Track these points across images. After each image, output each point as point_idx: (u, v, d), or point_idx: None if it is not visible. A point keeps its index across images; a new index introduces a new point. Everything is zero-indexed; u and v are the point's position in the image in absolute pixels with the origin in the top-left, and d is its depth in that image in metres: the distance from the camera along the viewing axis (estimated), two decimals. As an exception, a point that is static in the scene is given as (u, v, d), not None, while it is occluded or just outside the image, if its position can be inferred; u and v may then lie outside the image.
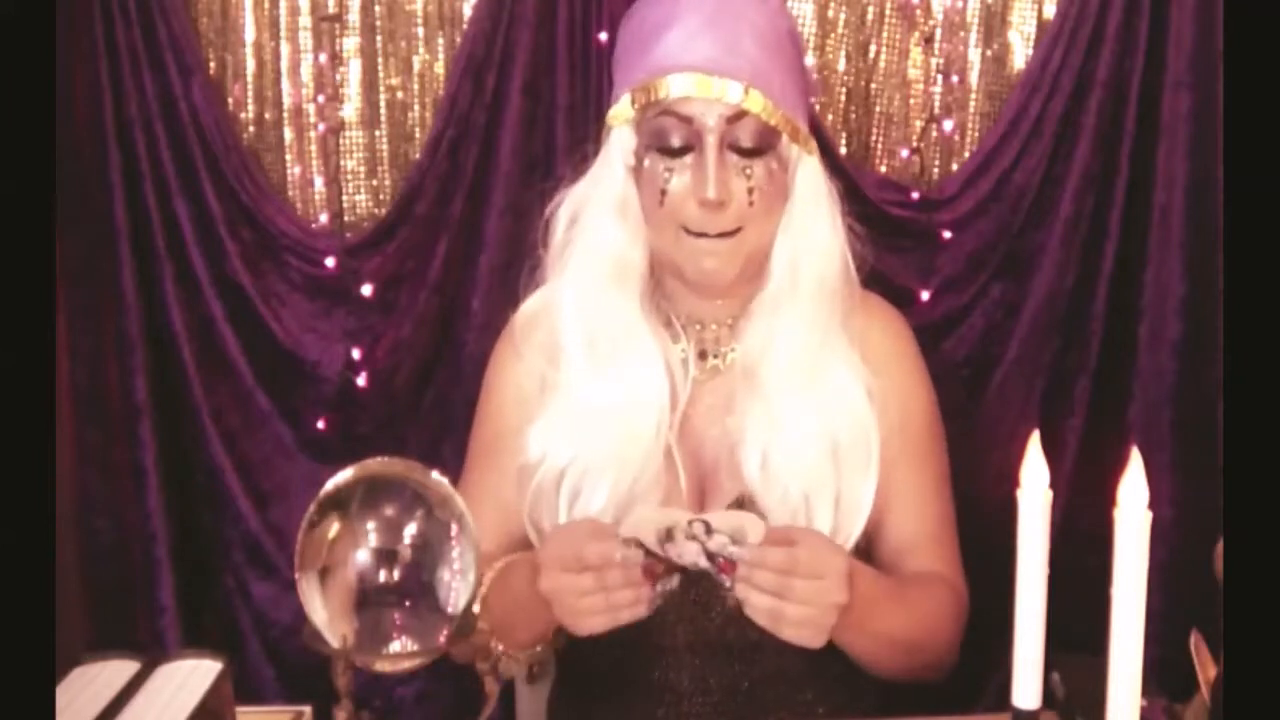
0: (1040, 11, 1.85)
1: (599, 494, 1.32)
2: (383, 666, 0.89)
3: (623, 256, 1.35)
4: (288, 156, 1.88)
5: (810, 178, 1.34)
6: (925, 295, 1.85)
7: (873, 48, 1.86)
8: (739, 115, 1.28)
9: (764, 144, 1.30)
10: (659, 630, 1.34)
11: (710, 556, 1.13)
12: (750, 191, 1.29)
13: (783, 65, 1.31)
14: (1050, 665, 0.98)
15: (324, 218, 1.88)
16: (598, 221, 1.35)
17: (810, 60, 1.83)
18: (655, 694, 1.37)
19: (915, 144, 1.88)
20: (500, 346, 1.46)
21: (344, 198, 1.88)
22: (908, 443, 1.38)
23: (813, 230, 1.34)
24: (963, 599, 1.39)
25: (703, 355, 1.39)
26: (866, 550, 1.37)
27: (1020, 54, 1.86)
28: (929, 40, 1.86)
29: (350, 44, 1.85)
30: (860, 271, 1.37)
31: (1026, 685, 0.95)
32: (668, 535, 1.13)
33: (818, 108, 1.82)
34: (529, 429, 1.37)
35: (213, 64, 1.84)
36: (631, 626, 1.34)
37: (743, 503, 1.34)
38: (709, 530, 1.12)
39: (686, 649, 1.36)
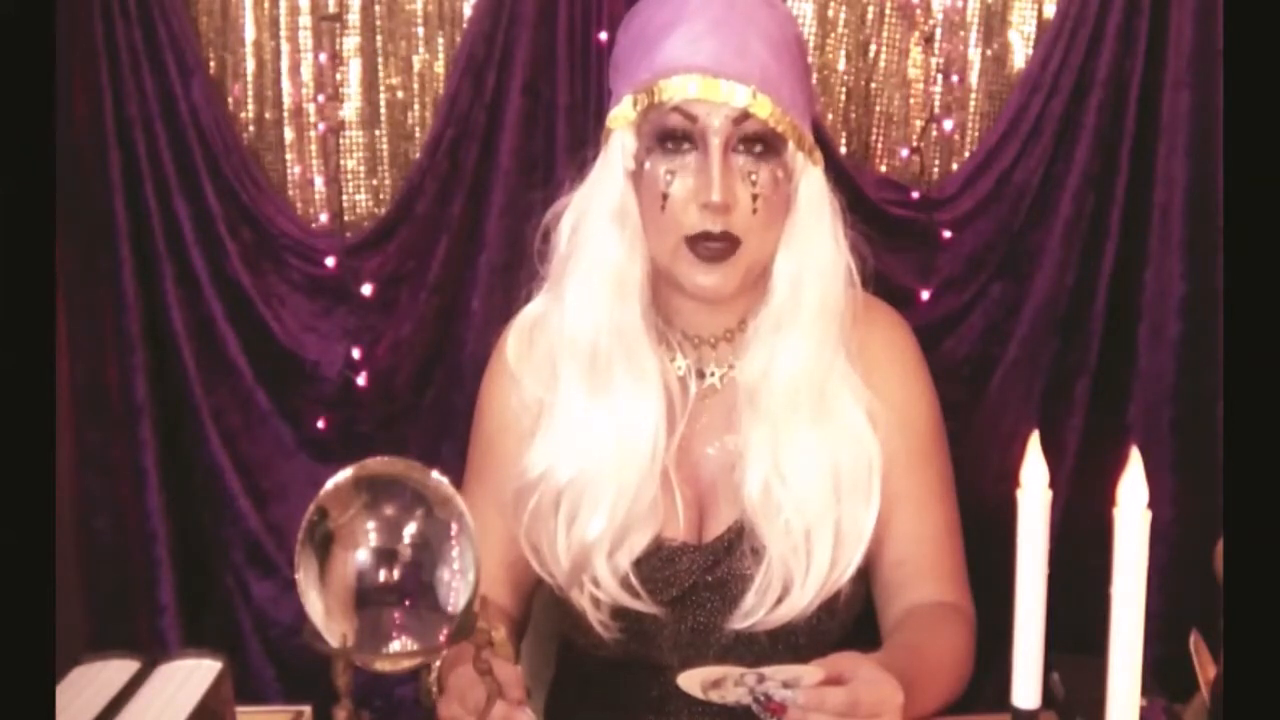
0: (1040, 11, 1.85)
1: (597, 518, 1.30)
2: (383, 666, 0.89)
3: (622, 268, 1.30)
4: (288, 156, 1.87)
5: (814, 189, 1.30)
6: (925, 295, 1.85)
7: (873, 47, 1.86)
8: (745, 117, 1.24)
9: (770, 149, 1.26)
10: (657, 654, 1.34)
11: (757, 698, 1.09)
12: (755, 199, 1.25)
13: (790, 72, 1.28)
14: (1050, 665, 0.98)
15: (324, 218, 1.88)
16: (597, 231, 1.30)
17: (810, 60, 1.83)
18: (652, 709, 1.36)
19: (915, 144, 1.88)
20: (493, 366, 1.42)
21: (344, 197, 1.88)
22: (909, 450, 1.36)
23: (816, 245, 1.30)
24: (971, 621, 1.37)
25: (699, 374, 1.36)
26: (864, 567, 1.35)
27: (1020, 54, 1.86)
28: (929, 40, 1.86)
29: (350, 44, 1.85)
30: (863, 282, 1.34)
31: (1026, 685, 0.95)
32: (714, 684, 1.10)
33: (817, 108, 1.82)
34: (523, 452, 1.34)
35: (213, 64, 1.84)
36: (629, 651, 1.34)
37: (741, 528, 1.31)
38: (762, 679, 1.09)
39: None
